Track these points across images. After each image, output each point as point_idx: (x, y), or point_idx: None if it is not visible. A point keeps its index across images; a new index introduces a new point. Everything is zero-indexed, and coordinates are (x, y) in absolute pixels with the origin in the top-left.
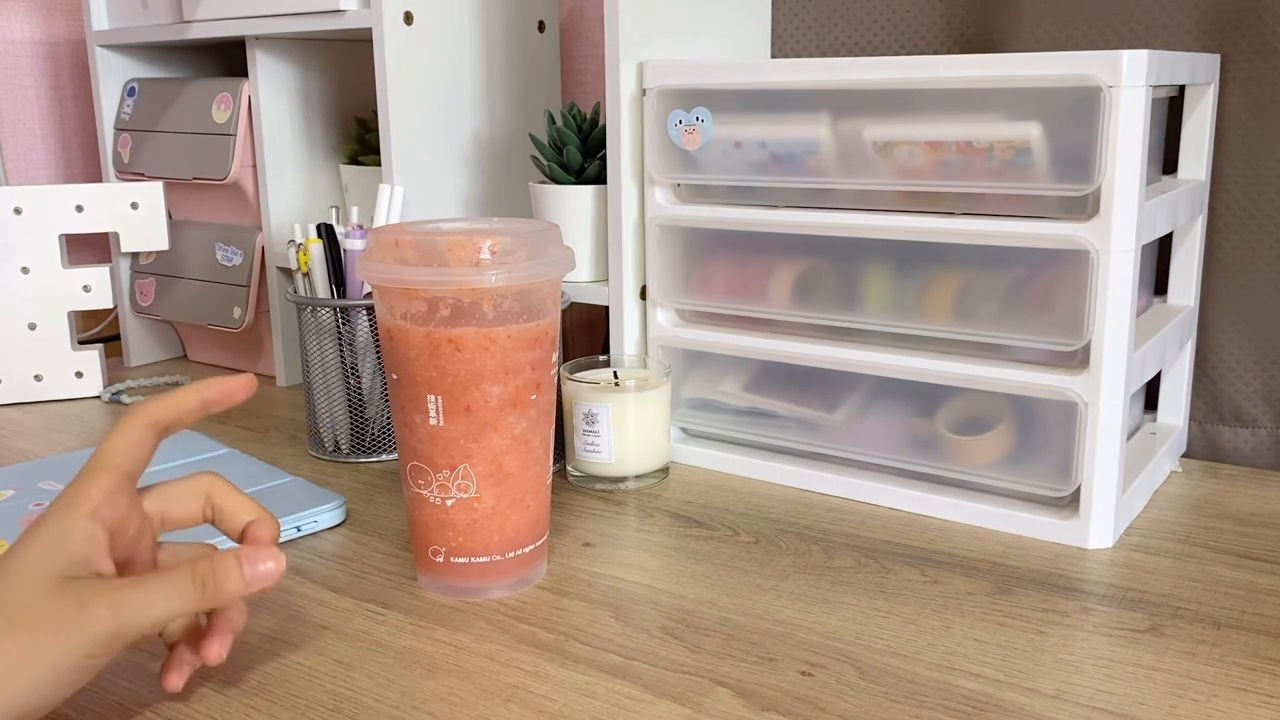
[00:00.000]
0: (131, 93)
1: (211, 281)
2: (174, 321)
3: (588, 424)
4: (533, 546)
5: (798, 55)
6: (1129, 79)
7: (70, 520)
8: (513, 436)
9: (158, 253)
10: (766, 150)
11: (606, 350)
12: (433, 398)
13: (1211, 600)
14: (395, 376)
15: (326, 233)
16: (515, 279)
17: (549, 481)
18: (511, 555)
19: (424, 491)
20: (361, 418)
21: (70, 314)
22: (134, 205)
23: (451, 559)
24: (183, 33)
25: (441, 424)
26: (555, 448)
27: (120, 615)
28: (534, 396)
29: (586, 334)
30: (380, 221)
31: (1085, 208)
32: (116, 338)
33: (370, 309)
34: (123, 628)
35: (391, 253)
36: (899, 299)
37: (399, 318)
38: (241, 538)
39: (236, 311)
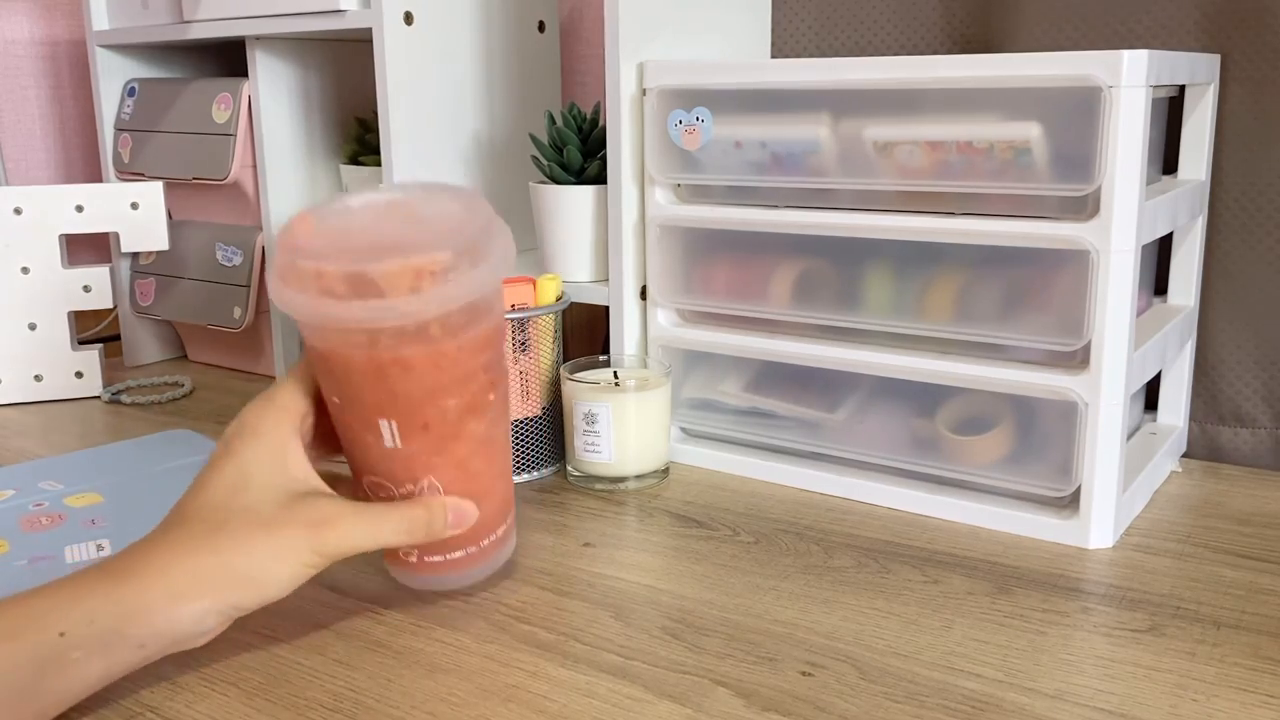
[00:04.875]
0: (131, 93)
1: (211, 281)
2: (174, 321)
3: (588, 424)
4: (500, 530)
5: (798, 55)
6: (1129, 79)
7: (282, 440)
8: (476, 440)
9: (158, 253)
10: (767, 150)
11: (606, 350)
12: (385, 422)
13: (1211, 600)
14: (336, 400)
15: None
16: (466, 295)
17: (510, 470)
18: (484, 543)
19: (383, 500)
20: None
21: (70, 314)
22: (134, 205)
23: (425, 558)
24: (183, 33)
25: (399, 445)
26: (555, 448)
27: (346, 540)
28: (491, 397)
29: (586, 334)
30: None
31: (1085, 208)
32: (116, 338)
33: None
34: (345, 549)
35: (314, 284)
36: (899, 299)
37: (334, 345)
38: None
39: (236, 311)
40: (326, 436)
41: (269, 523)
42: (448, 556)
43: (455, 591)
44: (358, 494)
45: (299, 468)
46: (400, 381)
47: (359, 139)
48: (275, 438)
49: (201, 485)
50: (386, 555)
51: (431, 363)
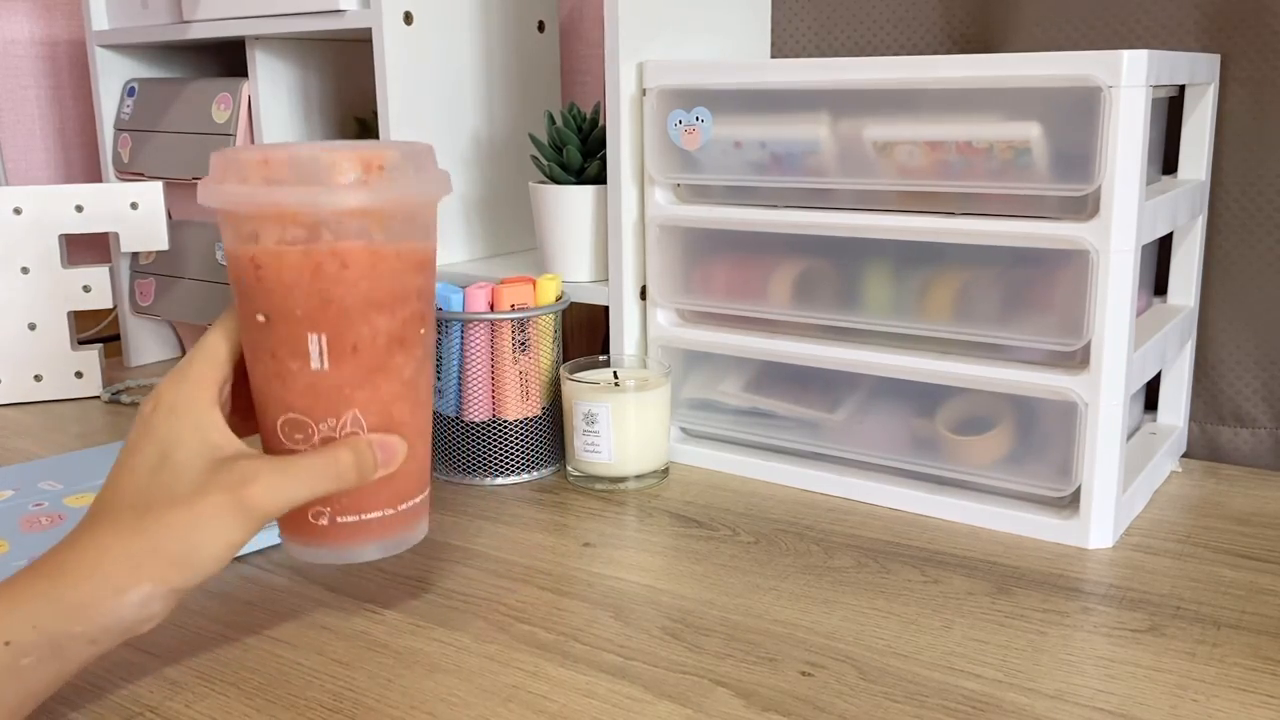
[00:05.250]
0: (131, 93)
1: (211, 281)
2: (174, 321)
3: (588, 424)
4: (420, 498)
5: (798, 55)
6: (1129, 79)
7: (200, 412)
8: (402, 381)
9: (158, 253)
10: (766, 150)
11: (606, 350)
12: (315, 337)
13: (1212, 600)
14: (263, 318)
15: None
16: (410, 193)
17: (431, 427)
18: (402, 508)
19: (302, 449)
20: None
21: (70, 314)
22: (134, 205)
23: (338, 519)
24: (183, 33)
25: (326, 368)
26: (555, 448)
27: (271, 494)
28: (422, 332)
29: (586, 334)
30: None
31: (1085, 208)
32: (116, 338)
33: None
34: (271, 505)
35: (258, 172)
36: (899, 299)
37: (269, 244)
38: None
39: None
40: (244, 412)
41: (191, 497)
42: (363, 517)
43: (336, 558)
44: (271, 450)
45: (219, 434)
46: (336, 283)
47: (359, 139)
48: (193, 410)
49: (122, 468)
50: (289, 528)
51: (370, 264)
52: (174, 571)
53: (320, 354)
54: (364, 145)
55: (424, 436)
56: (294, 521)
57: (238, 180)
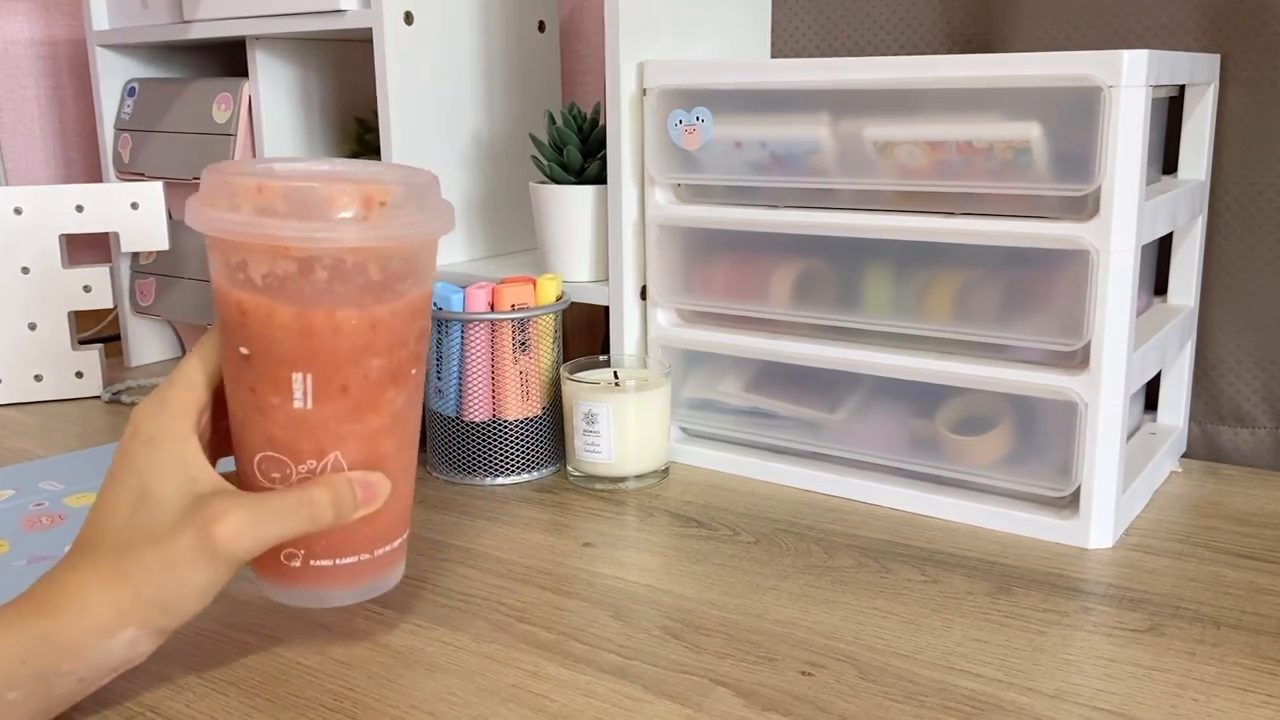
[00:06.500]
0: (131, 93)
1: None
2: (174, 321)
3: (588, 424)
4: (399, 541)
5: (798, 55)
6: (1129, 79)
7: (179, 442)
8: (391, 414)
9: (158, 253)
10: (767, 150)
11: (606, 350)
12: (299, 376)
13: (1211, 600)
14: (246, 351)
15: None
16: (413, 233)
17: (415, 464)
18: (380, 552)
19: (278, 488)
20: None
21: (70, 314)
22: (134, 205)
23: (311, 562)
24: (183, 33)
25: (310, 407)
26: (555, 448)
27: (241, 535)
28: (414, 371)
29: (586, 334)
30: None
31: (1085, 208)
32: (116, 338)
33: None
34: (242, 546)
35: (251, 200)
36: (899, 299)
37: (256, 283)
38: None
39: None
40: (220, 439)
41: (166, 538)
42: (338, 562)
43: (307, 601)
44: (246, 486)
45: (197, 466)
46: (328, 339)
47: (359, 139)
48: (172, 441)
49: (104, 503)
50: (261, 566)
51: (365, 327)
52: (157, 614)
53: (305, 394)
54: (366, 175)
55: (408, 474)
56: (267, 561)
57: (229, 206)
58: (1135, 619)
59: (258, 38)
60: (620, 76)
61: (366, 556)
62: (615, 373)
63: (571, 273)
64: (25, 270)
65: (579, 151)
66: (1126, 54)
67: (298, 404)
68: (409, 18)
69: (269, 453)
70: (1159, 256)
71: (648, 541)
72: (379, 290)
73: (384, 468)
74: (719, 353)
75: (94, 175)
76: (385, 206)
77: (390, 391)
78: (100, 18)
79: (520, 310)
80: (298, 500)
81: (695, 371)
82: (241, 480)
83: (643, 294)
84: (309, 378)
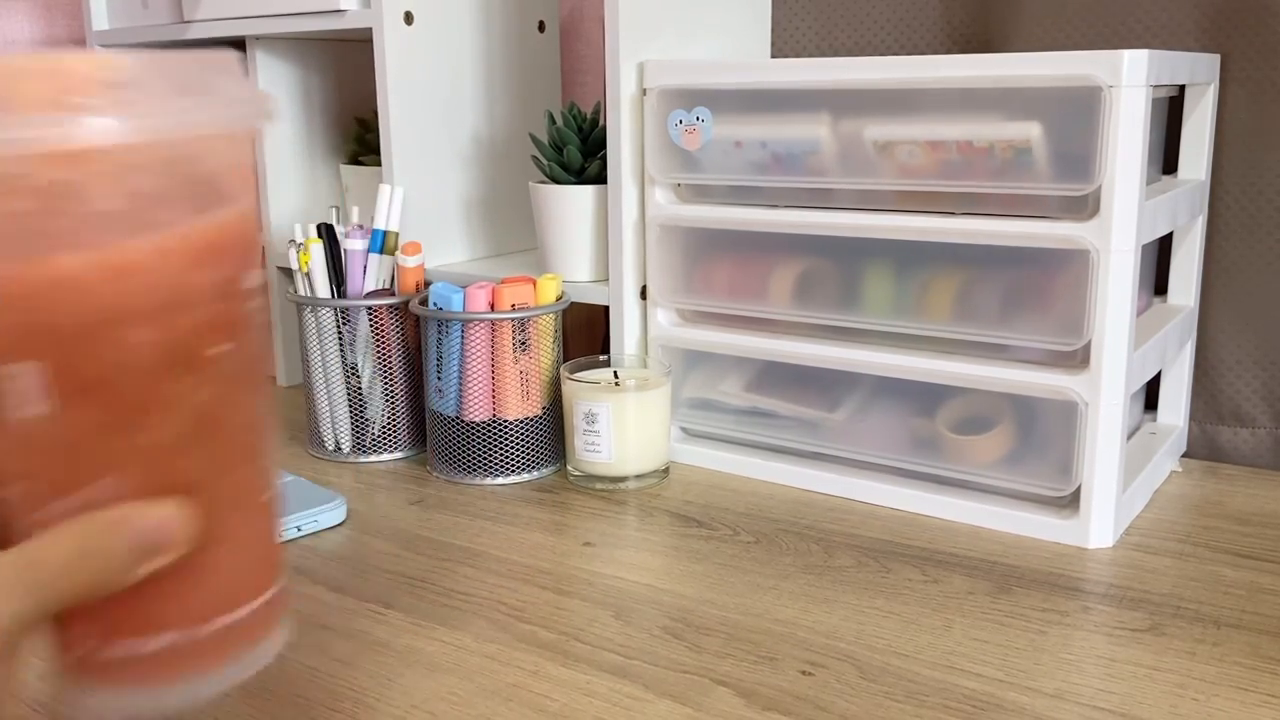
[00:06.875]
0: None
1: None
2: None
3: (588, 424)
4: (259, 601)
5: (798, 55)
6: (1129, 79)
7: None
8: (191, 417)
9: None
10: (767, 150)
11: (606, 350)
12: (31, 365)
13: (1212, 600)
14: None
15: (327, 233)
16: (160, 129)
17: (271, 494)
18: (219, 623)
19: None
20: (362, 418)
21: None
22: None
23: (101, 653)
24: (183, 33)
25: (56, 412)
26: (555, 448)
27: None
28: (223, 347)
29: (586, 334)
30: (381, 223)
31: (1085, 207)
32: None
33: (371, 309)
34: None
35: None
36: (899, 299)
37: None
38: None
39: None
40: None
41: None
42: (141, 648)
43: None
44: None
45: None
46: (63, 303)
47: (359, 139)
48: None
49: None
50: (62, 662)
51: (111, 275)
52: None
53: (44, 391)
54: (76, 54)
55: (248, 507)
56: (59, 657)
57: None
58: (1136, 619)
59: (258, 38)
60: (620, 76)
61: (192, 632)
62: (615, 372)
63: (571, 272)
64: None
65: (579, 151)
66: (1127, 54)
67: (33, 410)
68: (409, 18)
69: (10, 489)
70: (1159, 256)
71: (648, 541)
72: (126, 222)
73: (191, 497)
74: (719, 352)
75: None
76: (111, 89)
77: (174, 381)
78: (100, 18)
79: (520, 310)
80: (46, 547)
81: (695, 371)
82: None
83: (643, 294)
84: (46, 367)
